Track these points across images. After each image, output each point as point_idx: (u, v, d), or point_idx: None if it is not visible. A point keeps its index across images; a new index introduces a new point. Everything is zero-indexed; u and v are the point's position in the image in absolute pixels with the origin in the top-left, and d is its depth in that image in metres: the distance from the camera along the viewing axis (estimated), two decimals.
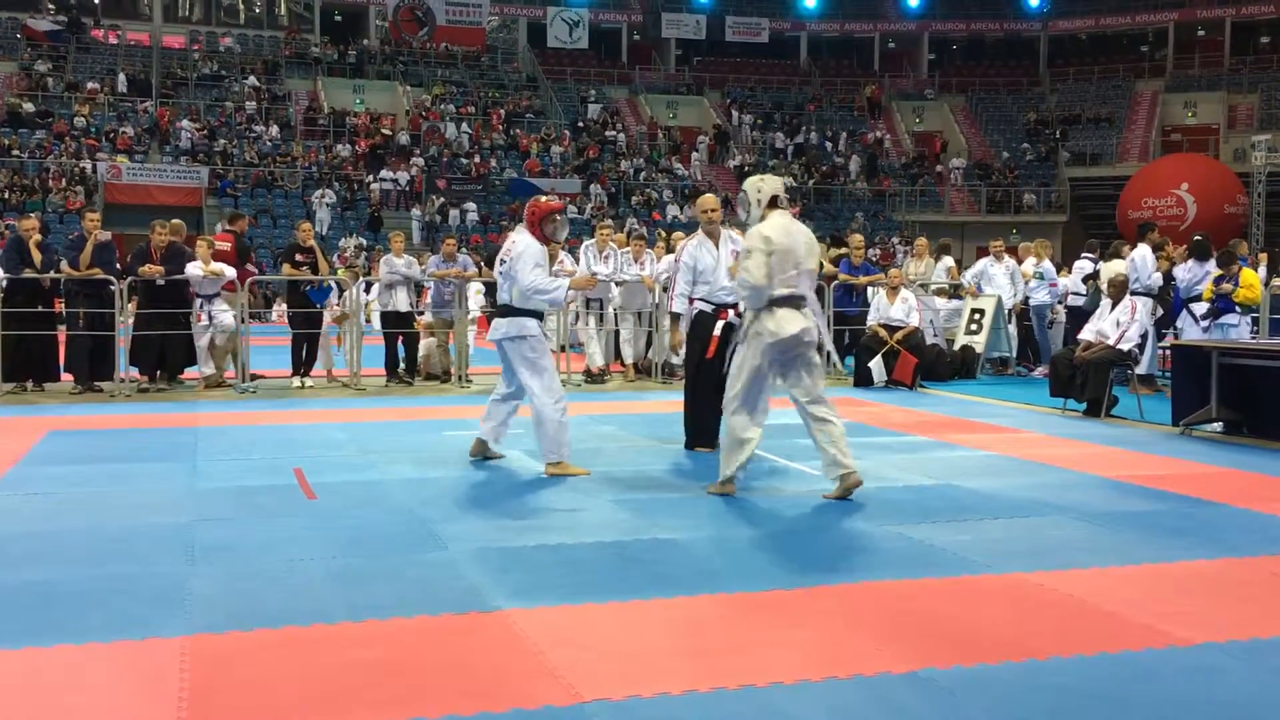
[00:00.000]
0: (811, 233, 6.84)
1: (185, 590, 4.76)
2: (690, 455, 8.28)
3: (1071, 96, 44.17)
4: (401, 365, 12.94)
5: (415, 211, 32.36)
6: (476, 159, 35.58)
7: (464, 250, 16.49)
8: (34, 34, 37.47)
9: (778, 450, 8.30)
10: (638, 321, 13.44)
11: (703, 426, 8.31)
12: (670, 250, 13.82)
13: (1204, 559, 5.43)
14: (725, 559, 5.34)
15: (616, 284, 13.22)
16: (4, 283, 11.33)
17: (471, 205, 33.18)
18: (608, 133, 39.21)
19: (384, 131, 35.94)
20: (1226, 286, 11.55)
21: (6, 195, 28.85)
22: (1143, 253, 12.65)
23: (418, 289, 13.45)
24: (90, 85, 35.38)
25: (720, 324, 8.15)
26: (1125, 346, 10.45)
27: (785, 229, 6.55)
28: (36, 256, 11.49)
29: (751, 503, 6.62)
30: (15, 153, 31.17)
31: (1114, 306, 10.66)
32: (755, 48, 45.97)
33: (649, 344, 13.55)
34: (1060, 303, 14.52)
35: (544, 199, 7.77)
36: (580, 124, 39.39)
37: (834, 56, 48.28)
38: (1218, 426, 9.45)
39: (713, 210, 8.52)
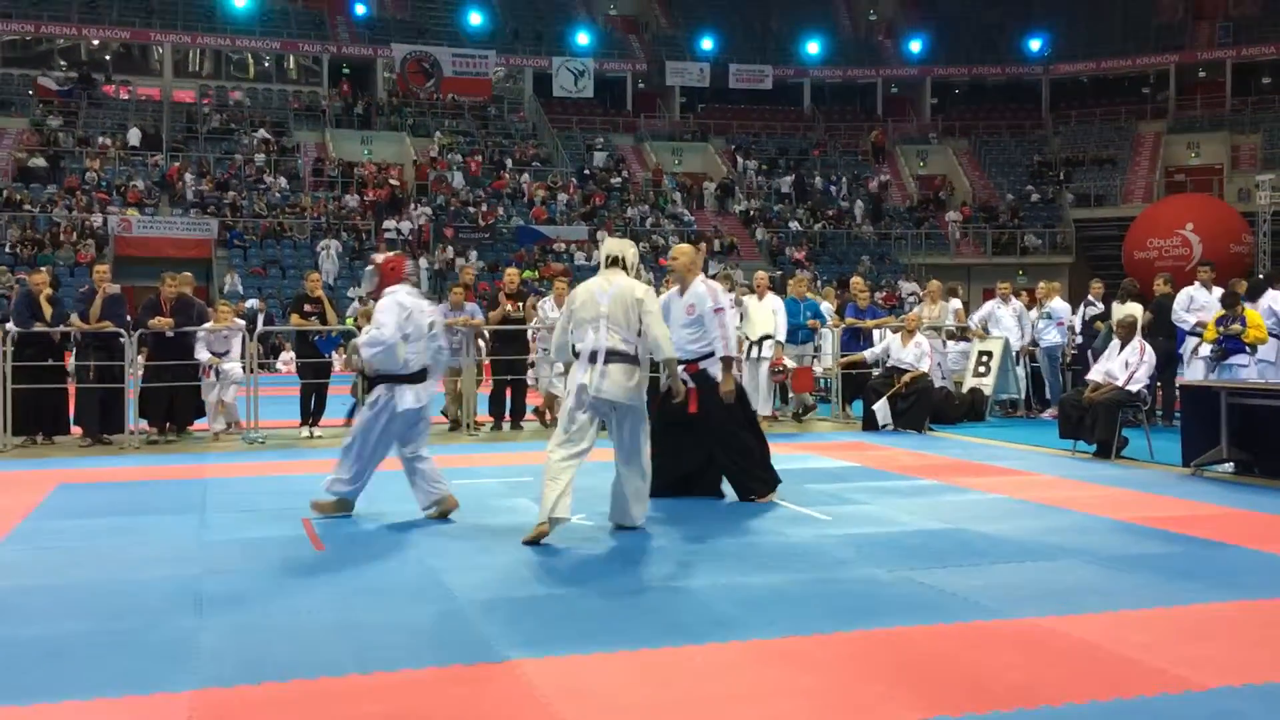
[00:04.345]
0: (631, 290, 6.86)
1: (194, 644, 4.74)
2: (694, 502, 8.24)
3: (1074, 139, 44.40)
4: None
5: (423, 261, 32.50)
6: (483, 207, 35.79)
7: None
8: (46, 91, 37.92)
9: (788, 496, 8.27)
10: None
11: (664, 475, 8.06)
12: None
13: (1218, 602, 5.38)
14: (736, 607, 5.31)
15: None
16: (15, 336, 11.40)
17: (474, 253, 33.28)
18: (613, 180, 39.47)
19: (391, 182, 36.20)
20: (1235, 327, 11.51)
21: (18, 250, 29.06)
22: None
23: None
24: (101, 140, 35.73)
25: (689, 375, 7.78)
26: (1134, 388, 10.42)
27: (590, 288, 6.92)
28: (47, 310, 11.56)
29: (761, 549, 6.59)
30: (27, 207, 31.43)
31: (1123, 347, 10.64)
32: (759, 94, 46.34)
33: None
34: (1075, 347, 14.53)
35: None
36: (586, 171, 39.66)
37: (837, 102, 48.65)
38: (1229, 467, 9.40)
39: (672, 259, 8.25)
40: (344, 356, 7.95)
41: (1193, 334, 12.23)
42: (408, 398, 7.41)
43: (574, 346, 6.94)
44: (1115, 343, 10.87)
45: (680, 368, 7.51)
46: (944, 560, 6.23)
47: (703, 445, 8.16)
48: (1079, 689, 4.14)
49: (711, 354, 7.84)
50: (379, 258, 7.83)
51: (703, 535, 7.04)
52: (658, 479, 7.59)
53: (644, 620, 5.09)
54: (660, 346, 6.89)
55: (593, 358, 6.78)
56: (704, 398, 7.66)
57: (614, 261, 7.02)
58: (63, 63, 41.59)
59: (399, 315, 7.31)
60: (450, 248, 33.08)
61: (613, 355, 6.76)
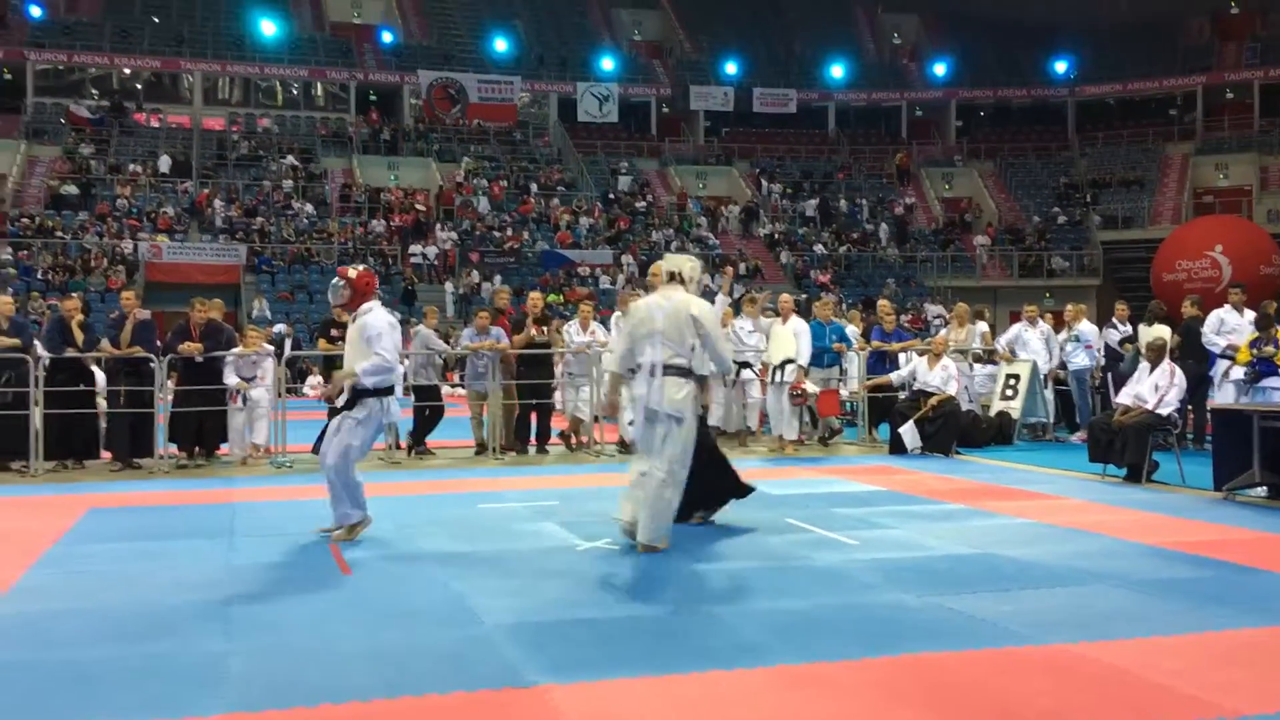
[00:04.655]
0: (687, 305, 7.18)
1: (222, 668, 4.77)
2: (718, 527, 8.22)
3: (1101, 160, 44.24)
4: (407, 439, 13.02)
5: (448, 285, 32.68)
6: (508, 231, 35.96)
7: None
8: (78, 119, 38.44)
9: (815, 520, 8.24)
10: None
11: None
12: None
13: (1251, 627, 5.32)
14: (763, 632, 5.28)
15: None
16: (47, 362, 11.52)
17: (499, 277, 33.37)
18: (638, 204, 39.59)
19: (417, 207, 36.46)
20: (1269, 350, 11.40)
21: (50, 276, 29.42)
22: None
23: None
24: (132, 167, 36.18)
25: None
26: (1164, 411, 10.34)
27: (649, 304, 7.30)
28: (78, 336, 11.68)
29: (788, 574, 6.57)
30: (59, 234, 31.82)
31: (1152, 370, 10.57)
32: (783, 118, 46.44)
33: None
34: (1100, 367, 14.42)
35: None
36: (611, 196, 39.81)
37: (862, 125, 48.71)
38: (1261, 491, 9.30)
39: (651, 275, 8.37)
40: (325, 389, 7.86)
41: (1224, 356, 12.13)
42: (395, 408, 7.80)
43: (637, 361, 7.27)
44: (1144, 366, 10.79)
45: None
46: (972, 585, 6.18)
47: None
48: (1109, 715, 4.10)
49: None
50: (351, 273, 7.90)
51: (729, 560, 7.02)
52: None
53: (671, 645, 5.08)
54: (723, 361, 7.34)
55: (652, 371, 7.12)
56: None
57: (673, 276, 7.34)
58: (95, 91, 42.20)
59: (394, 337, 7.61)
60: (475, 272, 33.24)
61: (668, 369, 7.11)
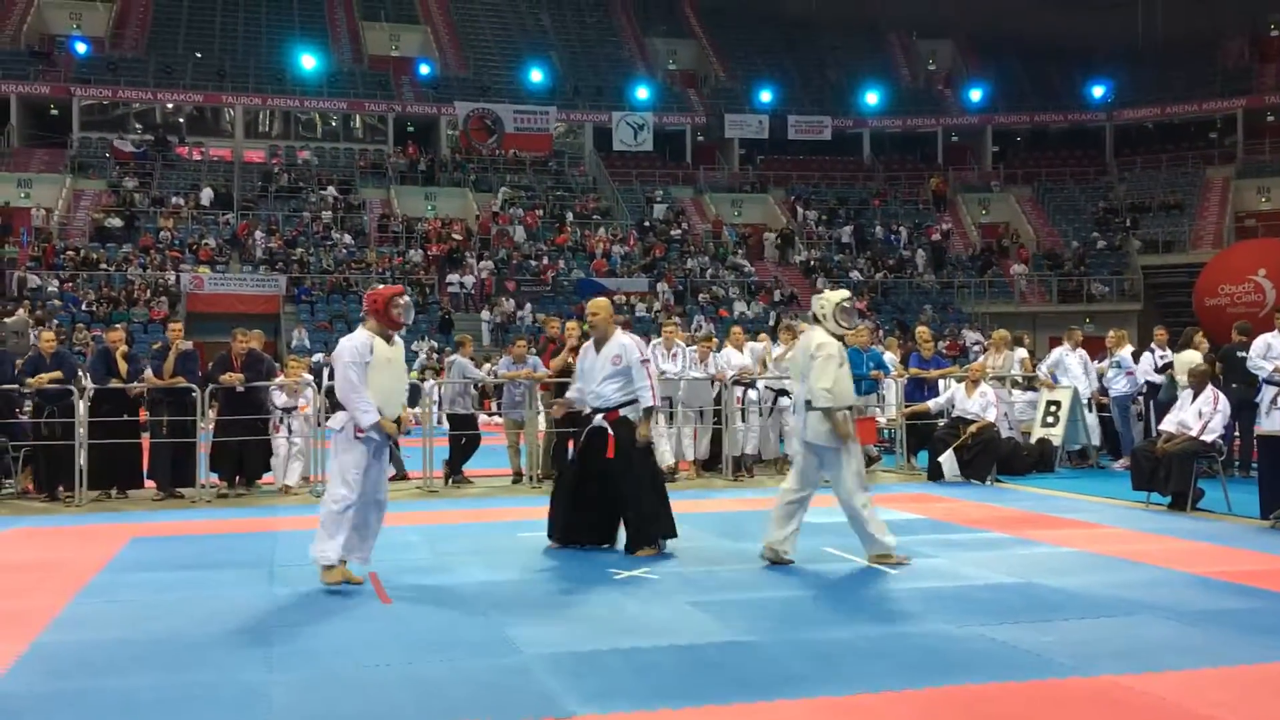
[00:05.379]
0: (810, 342, 7.75)
1: (264, 697, 4.79)
2: (756, 557, 8.18)
3: (1140, 185, 43.89)
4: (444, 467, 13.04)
5: (484, 314, 32.87)
6: (544, 260, 36.15)
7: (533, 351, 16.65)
8: (122, 154, 39.11)
9: (854, 549, 8.19)
10: (700, 419, 13.39)
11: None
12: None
13: None
14: (803, 662, 5.25)
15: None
16: (91, 393, 11.67)
17: (529, 305, 33.55)
18: (673, 232, 39.68)
19: (455, 236, 36.74)
20: None
21: (94, 307, 29.86)
22: None
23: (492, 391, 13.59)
24: (175, 200, 36.71)
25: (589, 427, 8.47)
26: (1209, 438, 10.20)
27: (797, 346, 8.09)
28: (123, 367, 11.84)
29: (828, 603, 6.53)
30: (103, 266, 32.31)
31: (1195, 397, 10.44)
32: (818, 145, 46.43)
33: (714, 441, 13.48)
34: (1141, 393, 14.26)
35: (382, 286, 7.96)
36: (646, 224, 39.93)
37: (897, 152, 48.62)
38: None
39: (591, 314, 8.64)
40: (400, 429, 7.57)
41: (1270, 382, 11.98)
42: None
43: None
44: (1187, 392, 10.67)
45: (599, 415, 8.28)
46: (1015, 615, 6.12)
47: (606, 494, 8.33)
48: None
49: (631, 402, 8.24)
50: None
51: (767, 589, 6.99)
52: (555, 526, 8.50)
53: (711, 676, 5.05)
54: (814, 393, 7.61)
55: (800, 407, 7.82)
56: (622, 446, 8.12)
57: (814, 318, 7.94)
58: (138, 126, 42.94)
59: None
60: (511, 301, 33.42)
61: (808, 403, 7.67)
